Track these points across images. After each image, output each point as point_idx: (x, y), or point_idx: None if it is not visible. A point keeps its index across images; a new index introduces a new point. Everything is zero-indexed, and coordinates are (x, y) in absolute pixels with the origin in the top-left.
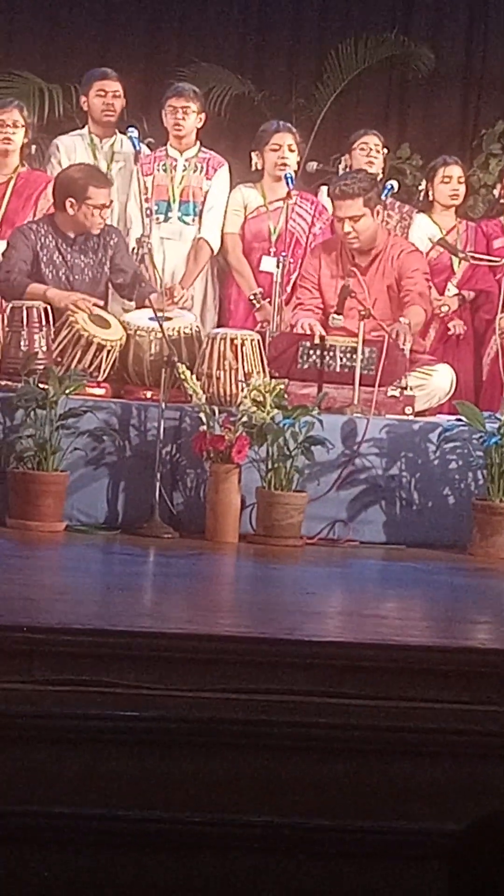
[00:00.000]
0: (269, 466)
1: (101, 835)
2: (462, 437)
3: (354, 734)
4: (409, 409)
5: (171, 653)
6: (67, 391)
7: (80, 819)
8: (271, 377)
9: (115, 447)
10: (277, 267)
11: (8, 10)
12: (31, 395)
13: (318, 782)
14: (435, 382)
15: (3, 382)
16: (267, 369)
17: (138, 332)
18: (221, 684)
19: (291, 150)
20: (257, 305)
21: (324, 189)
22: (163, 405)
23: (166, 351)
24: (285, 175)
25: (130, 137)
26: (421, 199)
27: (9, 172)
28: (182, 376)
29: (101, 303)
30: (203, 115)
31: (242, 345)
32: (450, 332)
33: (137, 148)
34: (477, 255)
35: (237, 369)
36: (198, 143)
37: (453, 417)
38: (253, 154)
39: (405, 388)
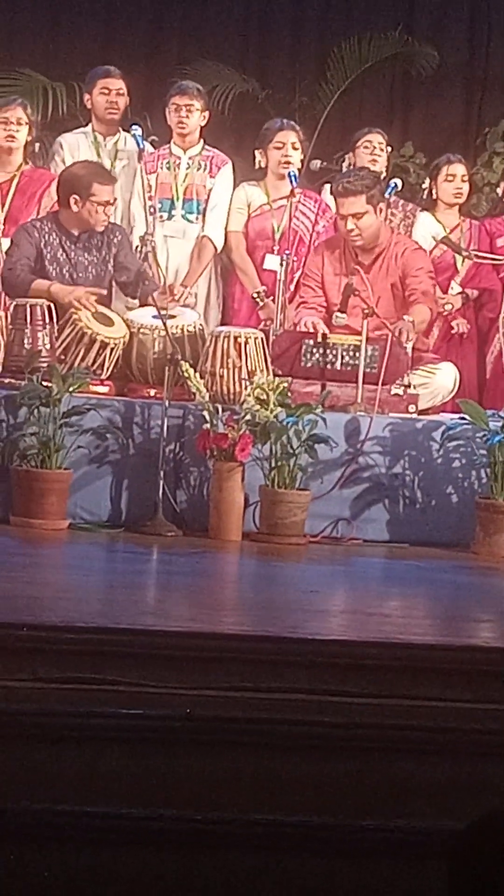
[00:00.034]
0: (273, 464)
1: (103, 833)
2: (465, 435)
3: (357, 732)
4: (412, 408)
5: (174, 651)
6: (71, 389)
7: (81, 817)
8: (275, 375)
9: (118, 445)
10: (281, 265)
11: (11, 7)
12: (35, 392)
13: (320, 781)
14: (438, 381)
15: (7, 380)
16: (270, 367)
17: (142, 330)
18: (224, 682)
19: (295, 148)
20: (261, 303)
21: (327, 187)
22: (166, 403)
23: (170, 349)
24: (289, 173)
25: (134, 135)
26: (424, 197)
27: (12, 170)
28: (185, 374)
29: (104, 292)
30: (207, 113)
31: (246, 343)
32: (453, 331)
33: (141, 146)
34: (480, 254)
35: (241, 367)
36: (201, 141)
37: (457, 416)
38: (256, 152)
39: (409, 387)
